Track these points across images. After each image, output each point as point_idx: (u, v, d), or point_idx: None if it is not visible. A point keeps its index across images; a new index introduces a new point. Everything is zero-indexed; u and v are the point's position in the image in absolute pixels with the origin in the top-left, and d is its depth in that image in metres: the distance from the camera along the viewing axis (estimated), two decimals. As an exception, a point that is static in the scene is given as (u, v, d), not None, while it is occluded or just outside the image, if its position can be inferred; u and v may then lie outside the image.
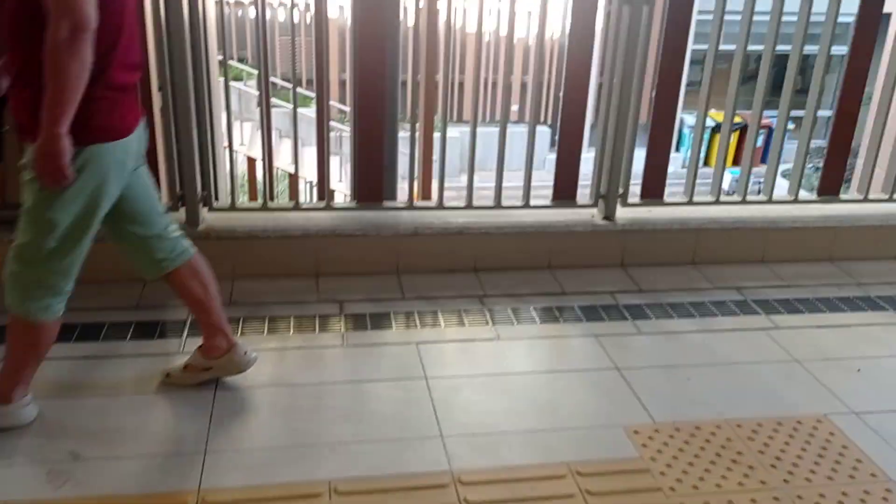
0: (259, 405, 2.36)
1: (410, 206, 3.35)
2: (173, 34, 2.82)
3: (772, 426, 2.31)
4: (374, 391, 2.44)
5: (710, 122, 18.18)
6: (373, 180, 3.33)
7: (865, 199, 3.63)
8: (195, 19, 2.87)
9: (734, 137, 17.59)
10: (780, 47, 3.33)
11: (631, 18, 3.15)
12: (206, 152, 3.07)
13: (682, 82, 3.41)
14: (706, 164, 16.84)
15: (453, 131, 14.82)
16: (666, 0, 3.23)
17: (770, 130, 16.87)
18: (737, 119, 3.38)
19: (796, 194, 3.58)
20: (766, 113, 3.46)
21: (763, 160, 17.64)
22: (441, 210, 3.38)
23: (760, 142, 16.80)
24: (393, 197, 3.46)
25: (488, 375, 2.56)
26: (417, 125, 3.73)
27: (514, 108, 15.51)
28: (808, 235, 3.54)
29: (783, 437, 2.26)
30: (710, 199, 3.53)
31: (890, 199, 3.63)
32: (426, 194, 4.60)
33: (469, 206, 3.39)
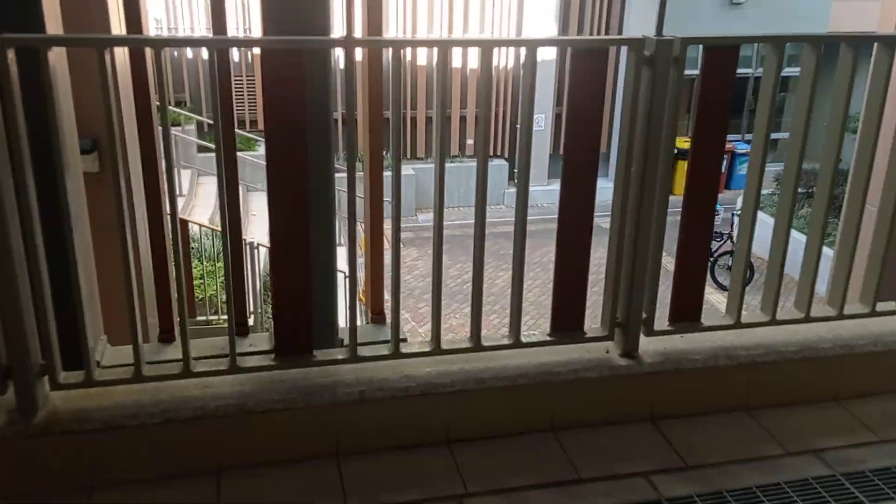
0: None
1: (353, 356, 2.33)
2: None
3: None
4: None
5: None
6: (297, 318, 2.32)
7: (961, 305, 2.73)
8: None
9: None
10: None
11: (654, 85, 2.22)
12: (40, 292, 2.02)
13: (721, 165, 2.48)
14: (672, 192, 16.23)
15: (405, 168, 13.81)
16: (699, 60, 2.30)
17: (734, 155, 16.24)
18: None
19: (873, 304, 2.67)
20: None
21: (727, 186, 17.00)
22: (397, 359, 2.38)
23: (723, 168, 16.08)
24: (331, 342, 2.46)
25: None
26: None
27: (470, 141, 14.60)
28: (893, 359, 2.64)
29: None
30: (763, 318, 2.60)
31: None
32: (376, 295, 3.59)
33: (437, 349, 2.39)
